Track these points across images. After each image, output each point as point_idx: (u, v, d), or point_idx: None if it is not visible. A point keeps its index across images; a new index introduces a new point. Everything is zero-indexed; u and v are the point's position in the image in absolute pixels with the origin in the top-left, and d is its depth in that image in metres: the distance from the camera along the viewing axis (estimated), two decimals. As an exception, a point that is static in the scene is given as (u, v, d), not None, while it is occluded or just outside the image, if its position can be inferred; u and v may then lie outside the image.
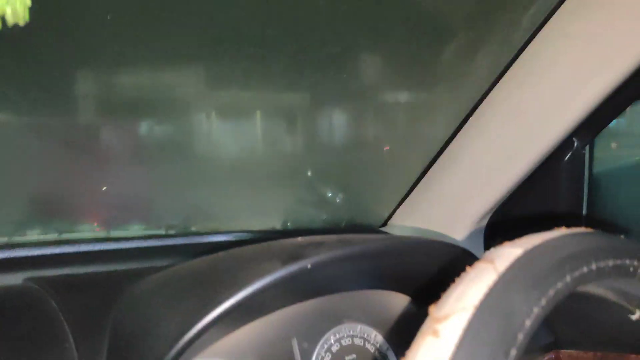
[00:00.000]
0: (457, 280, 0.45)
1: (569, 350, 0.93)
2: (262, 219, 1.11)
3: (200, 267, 0.73)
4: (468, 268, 0.46)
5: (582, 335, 0.92)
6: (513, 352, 0.38)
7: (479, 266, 0.45)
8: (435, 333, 0.40)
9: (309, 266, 0.63)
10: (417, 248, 0.77)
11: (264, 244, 0.76)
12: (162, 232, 1.05)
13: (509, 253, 0.45)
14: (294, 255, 0.65)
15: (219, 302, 0.60)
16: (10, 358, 0.59)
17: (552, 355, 0.95)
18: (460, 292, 0.42)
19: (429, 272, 0.79)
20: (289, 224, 1.12)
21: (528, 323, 0.39)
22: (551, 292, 0.42)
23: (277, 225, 1.10)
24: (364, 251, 0.71)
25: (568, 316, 0.90)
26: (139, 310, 0.68)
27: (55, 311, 0.68)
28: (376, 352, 0.92)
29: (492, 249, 0.47)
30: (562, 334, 0.91)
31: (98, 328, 0.66)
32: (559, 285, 0.43)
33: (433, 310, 0.43)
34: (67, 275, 0.82)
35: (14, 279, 0.81)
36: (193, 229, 1.06)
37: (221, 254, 0.72)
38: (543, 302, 0.41)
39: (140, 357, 0.62)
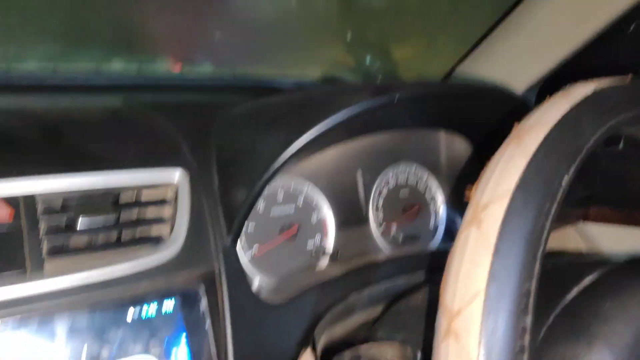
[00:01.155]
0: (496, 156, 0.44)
1: (600, 207, 1.03)
2: (323, 68, 1.16)
3: (292, 98, 0.81)
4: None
5: (614, 193, 1.01)
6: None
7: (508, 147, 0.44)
8: (478, 221, 0.40)
9: (395, 99, 0.71)
10: (480, 93, 0.84)
11: (345, 84, 0.83)
12: (229, 74, 1.11)
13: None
14: (379, 90, 0.73)
15: (317, 122, 0.69)
16: (136, 163, 0.68)
17: (584, 210, 1.05)
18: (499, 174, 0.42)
19: (488, 118, 0.87)
20: (349, 76, 1.17)
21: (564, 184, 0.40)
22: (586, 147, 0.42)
23: (337, 75, 1.15)
24: (437, 92, 0.79)
25: (604, 174, 1.00)
26: (239, 133, 0.77)
27: (164, 126, 0.77)
28: (426, 191, 1.03)
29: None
30: (596, 190, 1.01)
31: (206, 144, 0.75)
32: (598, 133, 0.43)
33: (474, 195, 0.42)
34: (159, 102, 0.90)
35: (111, 101, 0.89)
36: (258, 73, 1.12)
37: (311, 89, 0.79)
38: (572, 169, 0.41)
39: (243, 172, 0.72)
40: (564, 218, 1.01)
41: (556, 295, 0.54)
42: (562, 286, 0.55)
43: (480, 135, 0.95)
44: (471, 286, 0.39)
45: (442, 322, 0.40)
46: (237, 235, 0.68)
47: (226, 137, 0.77)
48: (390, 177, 0.99)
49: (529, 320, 0.39)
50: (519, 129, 0.46)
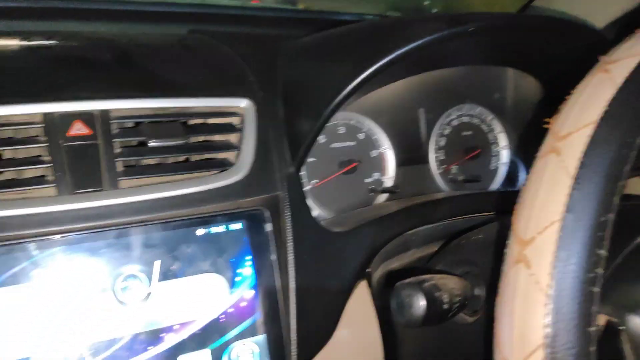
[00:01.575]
0: (579, 88, 0.42)
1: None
2: (381, 7, 1.13)
3: (360, 28, 0.79)
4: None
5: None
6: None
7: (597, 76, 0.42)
8: (557, 151, 0.39)
9: (470, 29, 0.68)
10: (560, 26, 0.79)
11: (413, 17, 0.80)
12: (290, 6, 1.10)
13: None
14: (453, 20, 0.70)
15: (387, 53, 0.67)
16: (205, 91, 0.69)
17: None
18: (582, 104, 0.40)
19: (564, 56, 0.83)
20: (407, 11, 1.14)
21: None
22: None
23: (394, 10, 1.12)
24: (514, 23, 0.75)
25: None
26: (305, 64, 0.76)
27: (230, 57, 0.78)
28: (489, 133, 1.01)
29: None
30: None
31: (271, 75, 0.75)
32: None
33: (554, 125, 0.40)
34: (224, 32, 0.90)
35: (178, 29, 0.90)
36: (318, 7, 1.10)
37: (380, 20, 0.77)
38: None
39: (309, 103, 0.72)
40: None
41: (627, 235, 0.52)
42: (633, 227, 0.53)
43: (553, 76, 0.91)
44: (546, 215, 0.39)
45: (513, 249, 0.40)
46: (300, 164, 0.69)
47: (292, 69, 0.76)
48: (453, 118, 0.97)
49: (603, 253, 0.39)
50: (606, 60, 0.44)
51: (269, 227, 0.63)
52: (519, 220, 0.41)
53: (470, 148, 0.98)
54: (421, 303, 0.58)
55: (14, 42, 0.71)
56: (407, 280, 0.61)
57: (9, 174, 0.60)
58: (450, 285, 0.60)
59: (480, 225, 0.77)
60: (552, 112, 0.44)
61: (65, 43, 0.74)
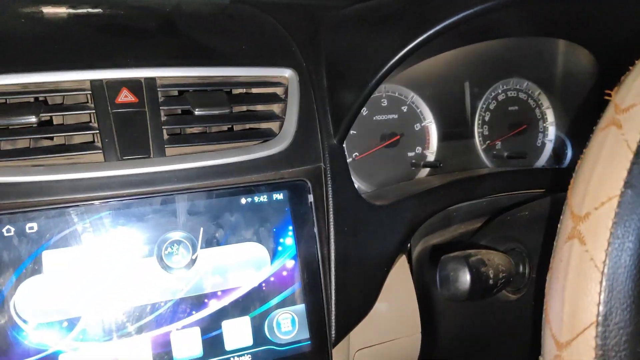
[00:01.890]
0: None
1: None
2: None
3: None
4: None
5: None
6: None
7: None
8: (617, 124, 0.37)
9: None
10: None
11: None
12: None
13: None
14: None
15: (436, 23, 0.65)
16: (248, 60, 0.69)
17: None
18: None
19: (622, 24, 0.79)
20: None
21: None
22: None
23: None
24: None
25: None
26: (348, 34, 0.75)
27: (273, 26, 0.77)
28: (537, 109, 0.98)
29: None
30: None
31: (315, 46, 0.74)
32: None
33: (615, 97, 0.38)
34: (267, 2, 0.89)
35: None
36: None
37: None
38: None
39: (353, 74, 0.70)
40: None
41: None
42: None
43: (609, 48, 0.86)
44: (604, 190, 0.37)
45: (566, 225, 0.39)
46: (344, 136, 0.68)
47: (335, 39, 0.75)
48: (500, 92, 0.94)
49: (662, 232, 0.37)
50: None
51: (311, 198, 0.63)
52: (574, 195, 0.39)
53: (515, 124, 0.95)
54: (467, 277, 0.57)
55: (61, 10, 0.72)
56: (453, 254, 0.60)
57: (58, 139, 0.62)
58: (495, 261, 0.59)
59: (524, 203, 0.75)
60: (607, 85, 0.42)
61: (112, 11, 0.74)
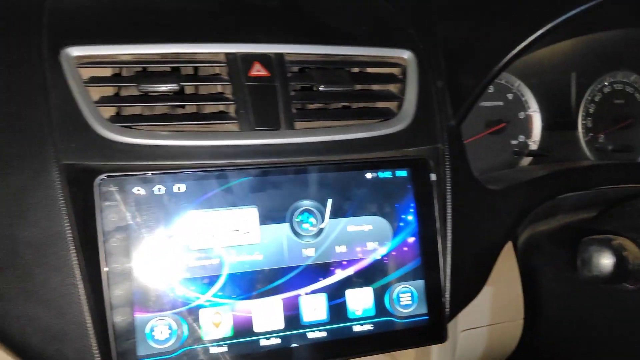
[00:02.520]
0: None
1: None
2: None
3: None
4: None
5: None
6: None
7: None
8: None
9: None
10: None
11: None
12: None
13: None
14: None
15: (560, 13, 0.65)
16: (368, 41, 0.70)
17: None
18: None
19: None
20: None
21: None
22: None
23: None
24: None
25: None
26: (466, 20, 0.75)
27: (389, 10, 0.78)
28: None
29: None
30: None
31: (431, 29, 0.74)
32: None
33: None
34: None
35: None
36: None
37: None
38: None
39: (473, 60, 0.71)
40: None
41: None
42: None
43: None
44: None
45: None
46: (462, 119, 0.69)
47: (452, 24, 0.76)
48: (606, 85, 0.92)
49: None
50: None
51: (433, 176, 0.64)
52: None
53: (621, 117, 0.93)
54: (611, 259, 0.57)
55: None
56: (596, 237, 0.60)
57: (189, 107, 0.65)
58: (631, 247, 0.58)
59: (631, 197, 0.74)
60: None
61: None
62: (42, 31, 0.59)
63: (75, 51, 0.59)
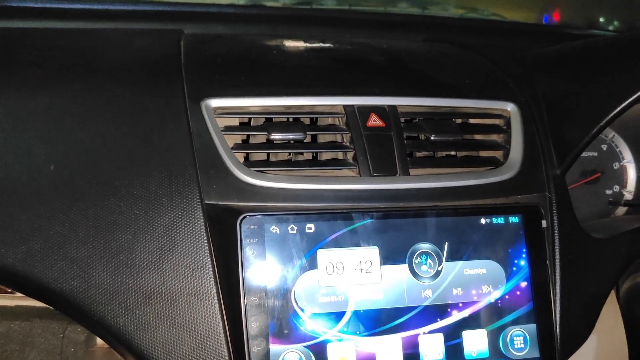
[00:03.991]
0: None
1: None
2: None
3: (621, 42, 0.80)
4: None
5: None
6: None
7: None
8: None
9: None
10: None
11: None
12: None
13: None
14: None
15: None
16: (473, 94, 0.74)
17: None
18: None
19: None
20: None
21: None
22: None
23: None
24: None
25: None
26: (564, 74, 0.79)
27: (486, 63, 0.83)
28: None
29: None
30: None
31: (529, 82, 0.78)
32: None
33: None
34: (463, 41, 0.95)
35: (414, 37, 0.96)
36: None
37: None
38: None
39: (577, 113, 0.73)
40: None
41: None
42: None
43: None
44: None
45: None
46: (567, 168, 0.71)
47: (551, 77, 0.79)
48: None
49: None
50: None
51: (544, 223, 0.66)
52: None
53: None
54: None
55: (299, 44, 0.82)
56: None
57: (307, 154, 0.70)
58: None
59: None
60: None
61: (340, 45, 0.83)
62: (183, 83, 0.67)
63: (214, 102, 0.65)
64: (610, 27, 1.08)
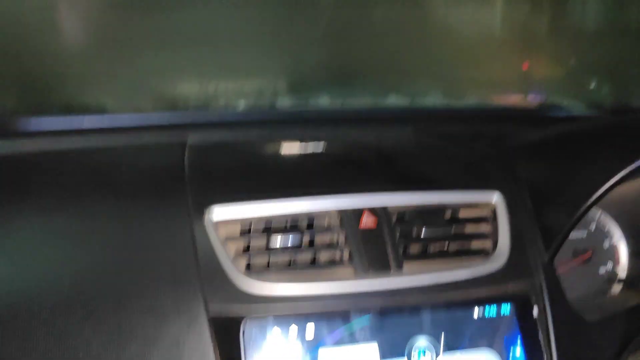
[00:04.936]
0: None
1: None
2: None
3: (608, 124, 0.85)
4: None
5: None
6: None
7: None
8: None
9: None
10: None
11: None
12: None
13: None
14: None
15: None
16: (458, 185, 0.79)
17: None
18: None
19: None
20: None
21: None
22: None
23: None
24: None
25: None
26: (546, 160, 0.84)
27: (471, 153, 0.88)
28: None
29: None
30: None
31: (513, 170, 0.83)
32: None
33: None
34: (447, 131, 1.01)
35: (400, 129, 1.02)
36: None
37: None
38: None
39: (560, 198, 0.77)
40: None
41: None
42: None
43: None
44: None
45: None
46: (555, 254, 0.75)
47: (532, 164, 0.84)
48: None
49: None
50: None
51: (535, 311, 0.69)
52: None
53: None
54: None
55: (294, 145, 0.88)
56: None
57: (306, 256, 0.74)
58: None
59: None
60: None
61: (333, 146, 0.89)
62: (187, 196, 0.72)
63: (216, 212, 0.70)
64: (591, 111, 1.14)
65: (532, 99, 1.19)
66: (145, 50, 0.98)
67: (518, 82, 1.17)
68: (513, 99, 1.19)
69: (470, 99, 1.17)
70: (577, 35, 1.17)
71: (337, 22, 1.05)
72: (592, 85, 1.20)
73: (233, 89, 1.04)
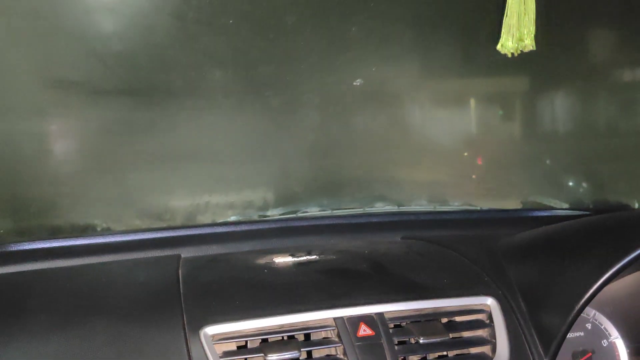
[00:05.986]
0: None
1: None
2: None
3: (594, 224, 0.88)
4: None
5: None
6: None
7: None
8: None
9: None
10: None
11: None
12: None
13: None
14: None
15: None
16: (452, 292, 0.80)
17: None
18: None
19: None
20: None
21: None
22: None
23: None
24: None
25: None
26: (533, 261, 0.85)
27: (459, 257, 0.90)
28: None
29: None
30: None
31: (502, 273, 0.84)
32: None
33: None
34: (436, 236, 1.03)
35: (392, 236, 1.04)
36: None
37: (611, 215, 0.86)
38: None
39: (552, 299, 0.78)
40: None
41: None
42: None
43: None
44: None
45: None
46: (554, 355, 0.74)
47: (522, 266, 0.86)
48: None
49: None
50: None
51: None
52: None
53: None
54: None
55: (287, 259, 0.89)
56: None
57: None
58: None
59: None
60: None
61: (325, 256, 0.90)
62: (182, 313, 0.71)
63: (212, 330, 0.69)
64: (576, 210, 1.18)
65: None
66: (135, 170, 1.01)
67: (499, 185, 1.21)
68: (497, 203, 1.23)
69: (454, 203, 1.20)
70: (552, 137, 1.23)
71: (323, 135, 1.10)
72: (571, 184, 1.24)
73: (224, 203, 1.07)
